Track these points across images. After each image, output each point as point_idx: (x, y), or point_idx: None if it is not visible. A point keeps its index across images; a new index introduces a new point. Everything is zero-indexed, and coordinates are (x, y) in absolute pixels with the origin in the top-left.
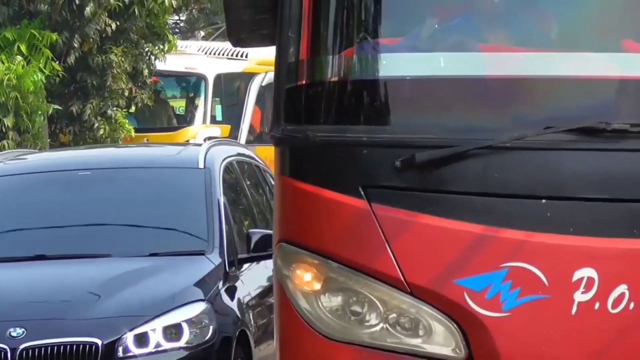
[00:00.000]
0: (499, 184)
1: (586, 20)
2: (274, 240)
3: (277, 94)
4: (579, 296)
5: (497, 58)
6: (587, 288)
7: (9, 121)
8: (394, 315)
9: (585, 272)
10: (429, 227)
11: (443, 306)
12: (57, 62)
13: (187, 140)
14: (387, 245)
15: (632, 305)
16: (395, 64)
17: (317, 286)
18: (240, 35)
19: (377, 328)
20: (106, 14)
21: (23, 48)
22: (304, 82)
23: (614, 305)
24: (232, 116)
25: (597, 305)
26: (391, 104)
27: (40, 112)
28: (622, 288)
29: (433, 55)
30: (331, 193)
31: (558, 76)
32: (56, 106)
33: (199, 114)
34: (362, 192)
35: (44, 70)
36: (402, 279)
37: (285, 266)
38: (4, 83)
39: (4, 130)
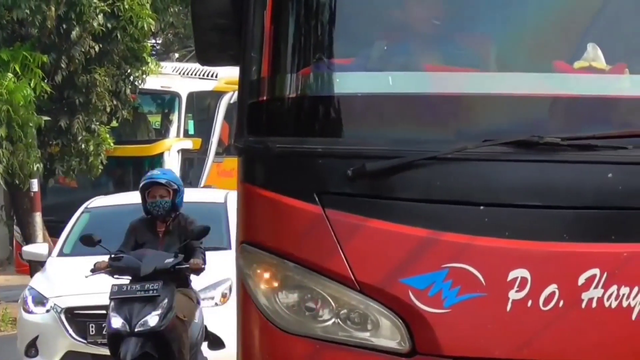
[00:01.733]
0: (441, 191)
1: (522, 43)
2: (236, 242)
3: (241, 109)
4: (513, 294)
5: (440, 77)
6: (521, 287)
7: (2, 131)
8: (345, 311)
9: (519, 273)
10: (378, 230)
11: (389, 303)
12: (46, 81)
13: (162, 152)
14: (339, 247)
15: (561, 303)
16: (347, 82)
17: (275, 284)
18: (208, 55)
19: (330, 322)
20: (90, 37)
21: (17, 67)
22: (265, 98)
23: (545, 303)
24: (203, 130)
25: (529, 303)
26: (344, 118)
27: (31, 124)
28: (553, 287)
29: (382, 74)
30: (289, 199)
31: (496, 94)
32: (46, 117)
33: (173, 128)
34: (317, 198)
35: (34, 89)
36: (353, 278)
37: (247, 265)
38: None
39: None
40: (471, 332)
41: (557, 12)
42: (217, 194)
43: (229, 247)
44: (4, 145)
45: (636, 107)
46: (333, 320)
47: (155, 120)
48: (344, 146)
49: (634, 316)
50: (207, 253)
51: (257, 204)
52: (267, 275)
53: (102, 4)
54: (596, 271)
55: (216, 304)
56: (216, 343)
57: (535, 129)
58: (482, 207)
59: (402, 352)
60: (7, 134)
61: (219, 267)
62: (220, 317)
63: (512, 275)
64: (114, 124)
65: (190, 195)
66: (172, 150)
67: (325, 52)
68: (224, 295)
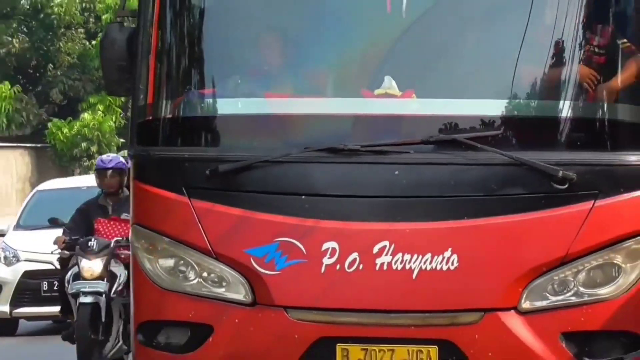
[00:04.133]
0: (274, 185)
1: (338, 77)
2: (131, 223)
3: (132, 126)
4: (326, 260)
5: (275, 102)
6: (332, 255)
7: (94, 149)
8: (205, 273)
9: (330, 244)
10: (229, 214)
11: (237, 267)
12: (122, 115)
13: None
14: (200, 227)
15: (361, 266)
16: (209, 106)
17: (156, 254)
18: (112, 88)
19: (195, 282)
20: None
21: (102, 108)
22: (149, 118)
23: (349, 266)
24: None
25: (338, 267)
26: (206, 132)
27: (113, 144)
28: (355, 255)
29: (234, 100)
30: (164, 192)
31: (317, 113)
32: (122, 140)
33: None
34: (185, 191)
35: (115, 122)
36: (210, 249)
37: (137, 240)
38: (90, 125)
39: (91, 154)
40: (296, 289)
41: (364, 55)
42: None
43: None
44: (96, 158)
45: (418, 122)
46: (197, 280)
47: None
48: (205, 153)
49: (414, 276)
50: None
51: (143, 196)
52: (150, 247)
53: None
54: (386, 243)
55: None
56: None
57: (345, 139)
58: (303, 197)
59: (246, 303)
60: (98, 150)
61: None
62: None
63: (325, 246)
64: None
65: None
66: None
67: (193, 85)
68: None
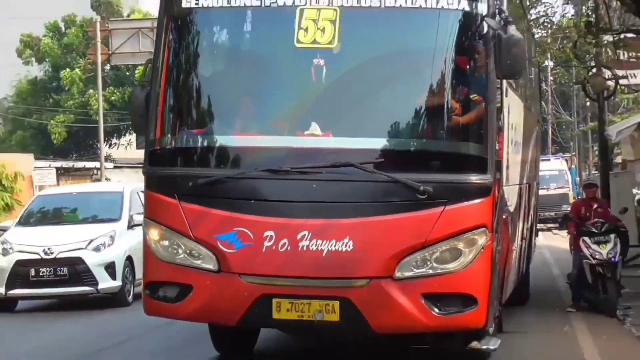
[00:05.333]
0: (234, 193)
1: (280, 122)
2: (144, 217)
3: (145, 154)
4: (266, 243)
5: (240, 138)
6: (270, 240)
7: None
8: (188, 250)
9: (269, 233)
10: (204, 211)
11: (209, 247)
12: None
13: None
14: (185, 220)
15: (289, 248)
16: (196, 141)
17: (157, 237)
18: (137, 127)
19: (182, 256)
20: None
21: None
22: (156, 148)
23: (281, 248)
24: None
25: (274, 248)
26: (192, 158)
27: None
28: (285, 240)
29: (214, 136)
30: (163, 197)
31: (265, 147)
32: None
33: None
34: (176, 196)
35: None
36: (191, 235)
37: (146, 227)
38: None
39: None
40: (246, 262)
41: (298, 109)
42: None
43: None
44: None
45: (331, 153)
46: (183, 255)
47: None
48: (190, 172)
49: (324, 254)
50: None
51: (151, 199)
52: (154, 233)
53: None
54: (306, 232)
55: None
56: None
57: (282, 163)
58: (252, 201)
59: (214, 270)
60: None
61: None
62: None
63: (265, 234)
64: None
65: None
66: None
67: (186, 127)
68: None
